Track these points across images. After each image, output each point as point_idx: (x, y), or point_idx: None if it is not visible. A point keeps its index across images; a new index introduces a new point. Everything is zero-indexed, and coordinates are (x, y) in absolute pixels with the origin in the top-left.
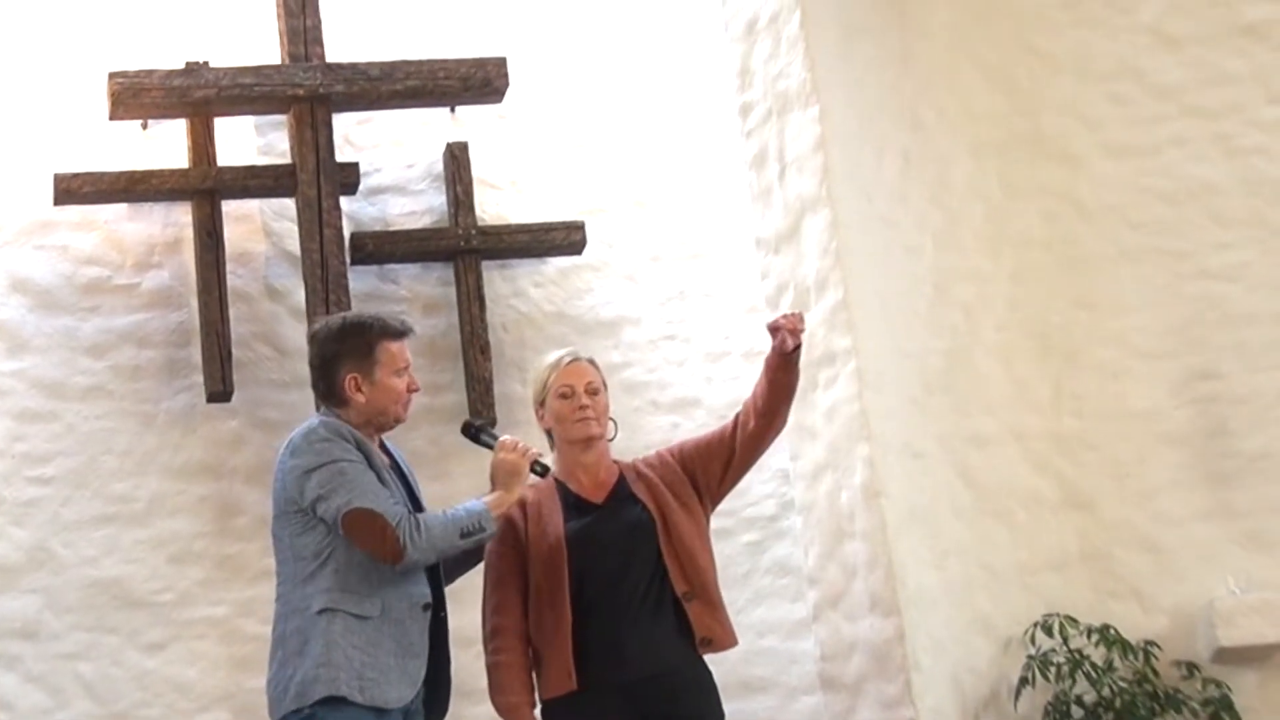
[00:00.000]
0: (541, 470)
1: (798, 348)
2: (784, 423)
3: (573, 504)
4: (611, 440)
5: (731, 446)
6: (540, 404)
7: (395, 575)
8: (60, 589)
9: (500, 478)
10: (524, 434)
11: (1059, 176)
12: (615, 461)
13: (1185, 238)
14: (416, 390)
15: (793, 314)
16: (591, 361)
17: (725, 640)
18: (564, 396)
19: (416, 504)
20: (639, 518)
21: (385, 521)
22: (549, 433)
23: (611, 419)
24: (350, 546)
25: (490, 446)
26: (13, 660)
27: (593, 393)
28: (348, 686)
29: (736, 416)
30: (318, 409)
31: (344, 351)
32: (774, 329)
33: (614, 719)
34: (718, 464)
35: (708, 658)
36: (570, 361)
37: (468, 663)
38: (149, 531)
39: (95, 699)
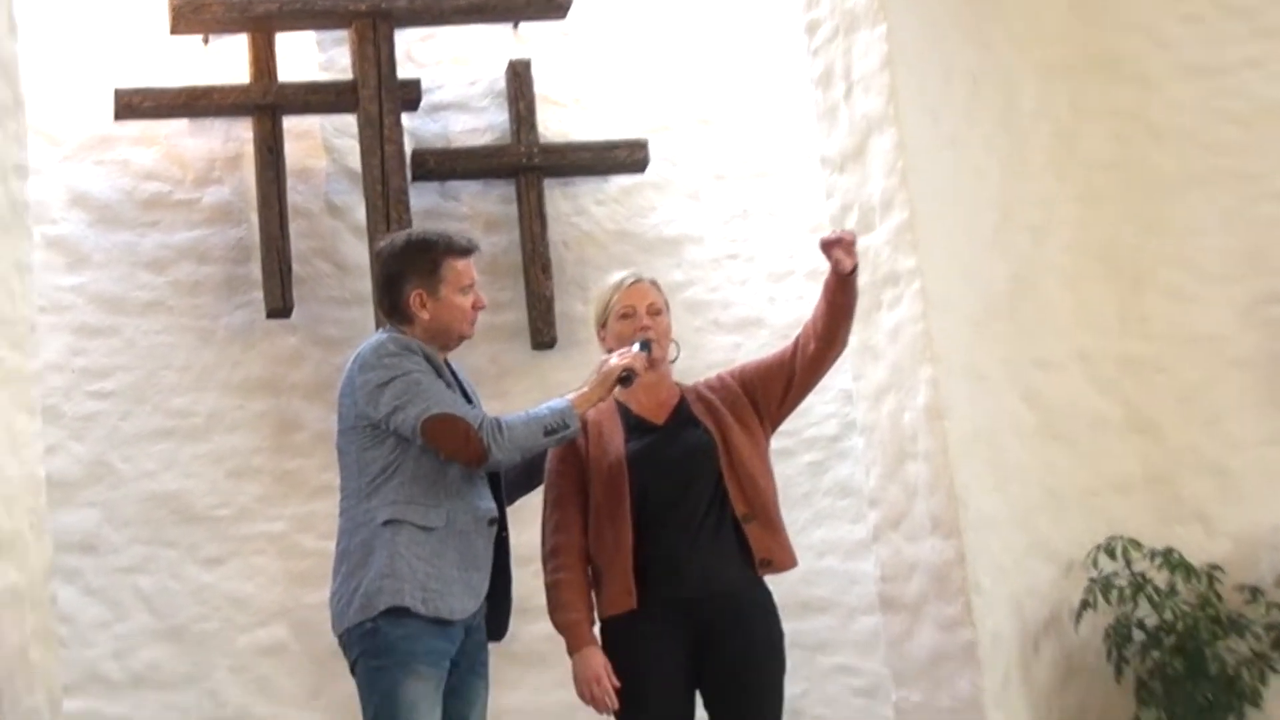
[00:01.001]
0: (626, 381)
1: (855, 268)
2: (844, 345)
3: (634, 425)
4: (673, 361)
5: (791, 368)
6: (602, 325)
7: (461, 488)
8: (119, 503)
9: (595, 376)
10: (583, 354)
11: (1129, 97)
12: (676, 384)
13: (1257, 160)
14: (482, 307)
15: (845, 231)
16: (654, 283)
17: (784, 561)
18: (625, 317)
19: None
20: (700, 439)
21: (467, 424)
22: (610, 352)
23: (673, 340)
24: (418, 459)
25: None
26: (72, 573)
27: (655, 313)
28: (411, 597)
29: (797, 338)
30: (378, 327)
31: (409, 268)
32: (826, 247)
33: (672, 638)
34: (778, 386)
35: (767, 578)
36: (633, 282)
37: (525, 580)
38: (208, 446)
39: (153, 612)
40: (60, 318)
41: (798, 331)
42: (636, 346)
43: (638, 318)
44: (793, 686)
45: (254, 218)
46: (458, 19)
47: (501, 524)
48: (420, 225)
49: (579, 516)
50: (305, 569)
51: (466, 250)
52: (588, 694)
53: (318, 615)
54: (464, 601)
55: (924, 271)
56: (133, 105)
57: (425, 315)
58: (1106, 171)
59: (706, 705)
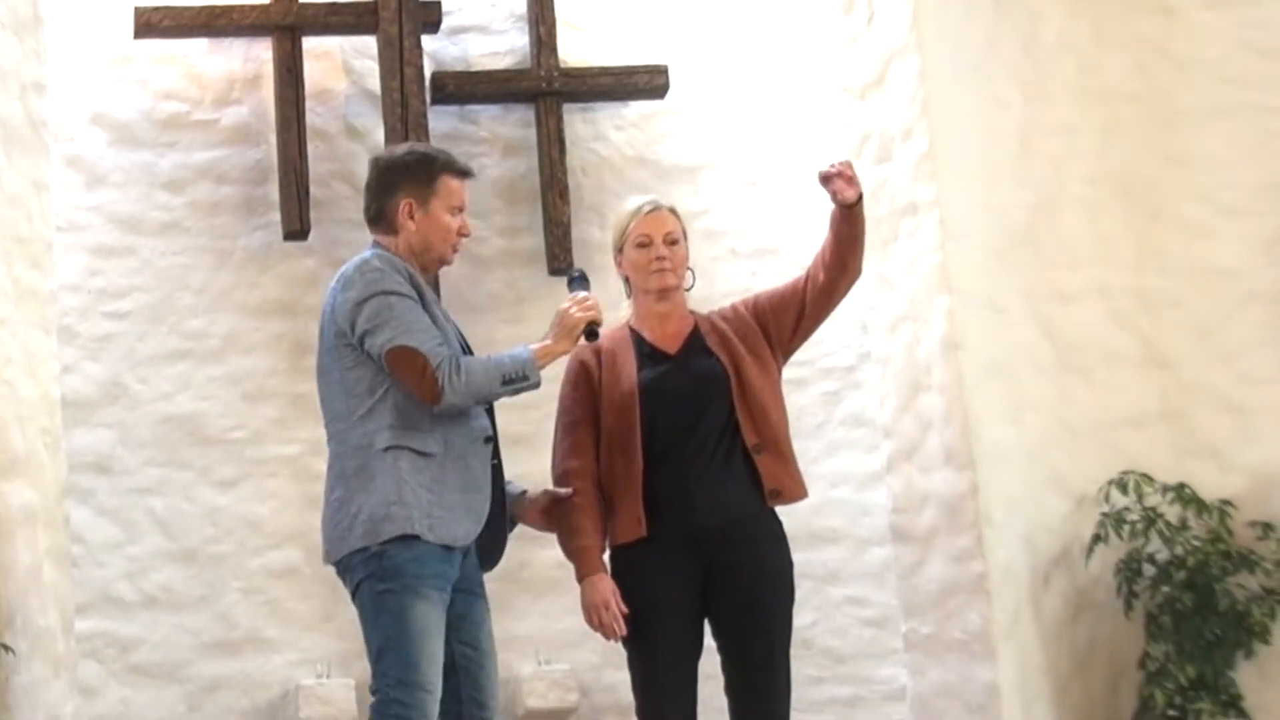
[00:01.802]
0: (591, 334)
1: (860, 198)
2: (855, 275)
3: (647, 353)
4: (689, 290)
5: (802, 299)
6: (619, 251)
7: (455, 414)
8: (134, 424)
9: (555, 328)
10: (600, 280)
11: (1153, 27)
12: (691, 312)
13: None
14: (467, 235)
15: (842, 162)
16: (672, 210)
17: (794, 492)
18: (642, 245)
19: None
20: (712, 369)
21: (426, 361)
22: (626, 280)
23: (690, 269)
24: None
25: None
26: (86, 494)
27: (671, 242)
28: (420, 524)
29: (809, 268)
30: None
31: (405, 178)
32: (825, 180)
33: (682, 566)
34: (790, 316)
35: (779, 508)
36: (650, 210)
37: None
38: (223, 368)
39: (167, 534)
40: (77, 237)
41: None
42: (583, 336)
43: (654, 247)
44: (803, 617)
45: (272, 139)
46: None
47: (495, 452)
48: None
49: (591, 442)
50: (318, 492)
51: (464, 172)
52: (595, 620)
53: None
54: (467, 526)
55: (942, 201)
56: (152, 24)
57: (412, 226)
58: (1129, 103)
59: (715, 635)
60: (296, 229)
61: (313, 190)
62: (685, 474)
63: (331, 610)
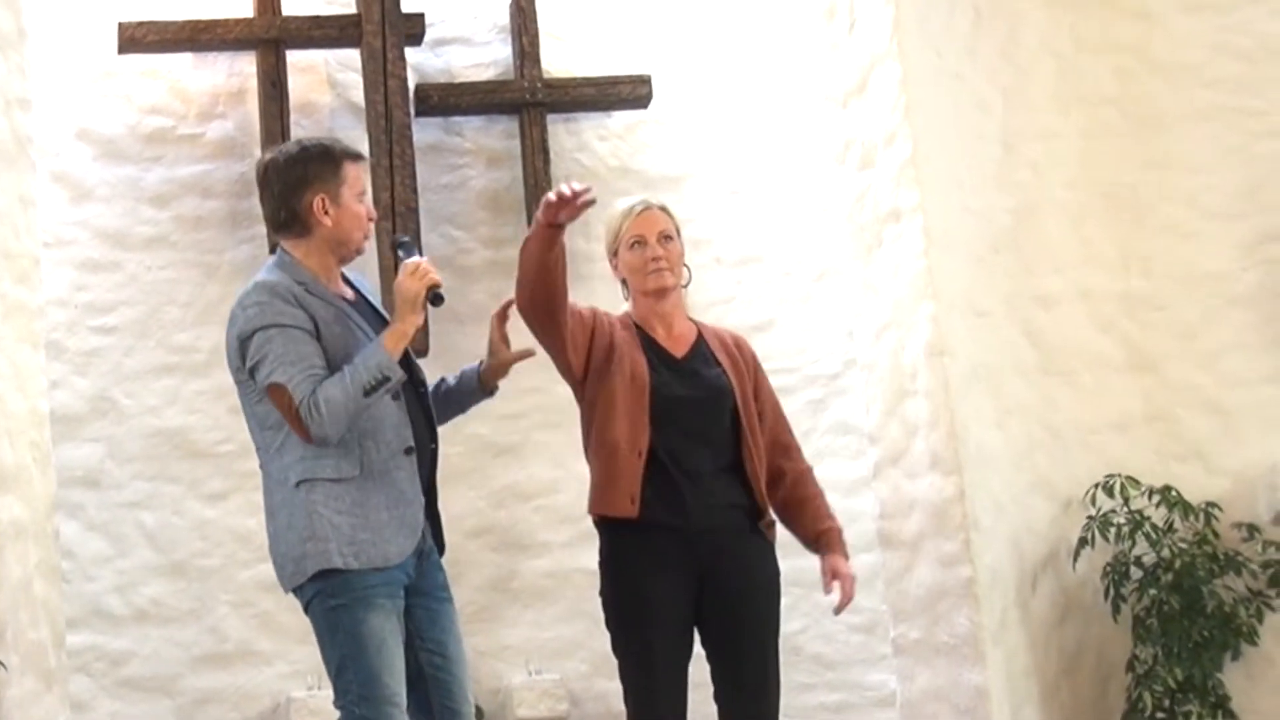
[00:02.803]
0: (435, 299)
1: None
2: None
3: (655, 351)
4: (685, 287)
5: (770, 442)
6: (613, 254)
7: (370, 425)
8: (122, 438)
9: (397, 305)
10: (587, 288)
11: (1133, 32)
12: (691, 320)
13: (1260, 96)
14: (374, 219)
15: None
16: (664, 208)
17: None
18: (636, 245)
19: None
20: (719, 380)
21: (292, 399)
22: (624, 282)
23: (685, 266)
24: None
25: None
26: (75, 508)
27: (665, 240)
28: (339, 556)
29: (793, 455)
30: (273, 250)
31: (310, 173)
32: (833, 577)
33: (674, 572)
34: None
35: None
36: (642, 210)
37: (526, 515)
38: (211, 382)
39: (156, 548)
40: (63, 252)
41: (800, 455)
42: (428, 303)
43: (649, 246)
44: (791, 623)
45: (258, 152)
46: None
47: (432, 437)
48: (421, 159)
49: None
50: None
51: (359, 156)
52: (554, 197)
53: None
54: (399, 543)
55: (926, 207)
56: (136, 39)
57: (328, 222)
58: (1109, 107)
59: (705, 642)
60: None
61: None
62: (682, 478)
63: None
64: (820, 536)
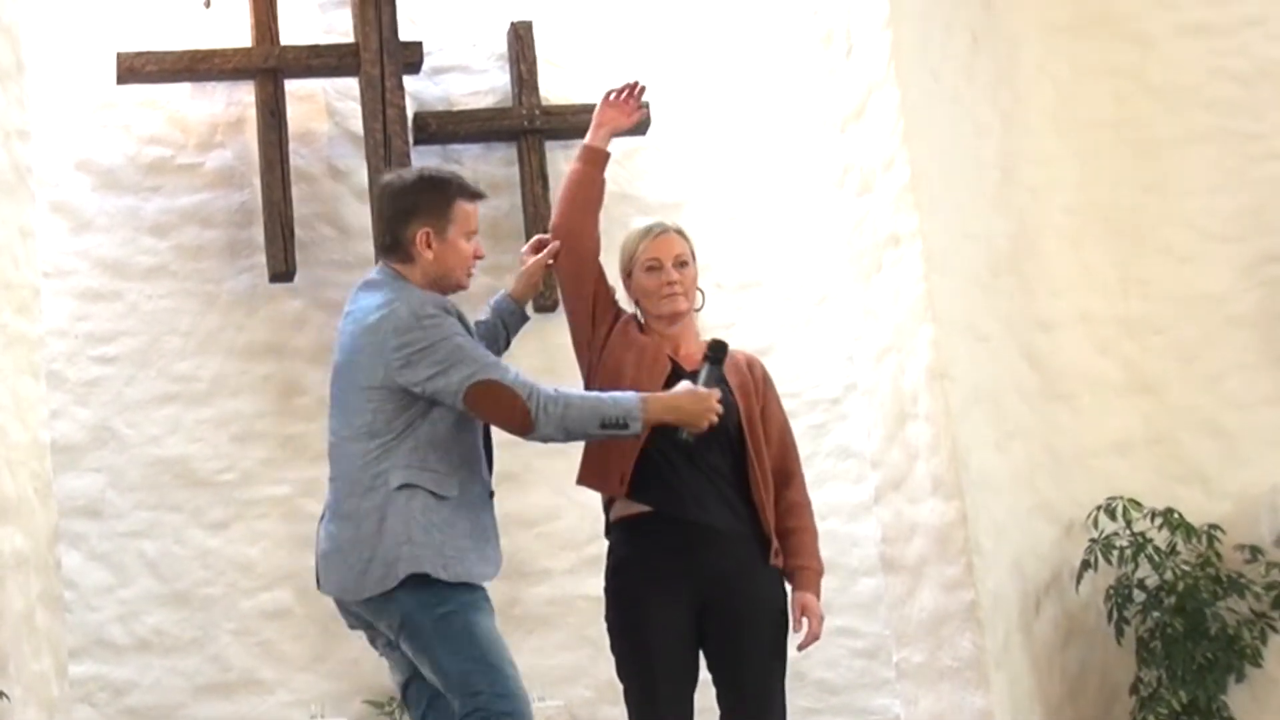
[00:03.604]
0: (686, 440)
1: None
2: None
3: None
4: (699, 311)
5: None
6: (627, 275)
7: (469, 458)
8: (123, 468)
9: (683, 404)
10: None
11: (1130, 56)
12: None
13: (1257, 119)
14: (481, 258)
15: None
16: (679, 231)
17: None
18: (651, 270)
19: None
20: (724, 398)
21: (513, 392)
22: (637, 303)
23: (699, 289)
24: (434, 424)
25: (707, 378)
26: (77, 538)
27: (681, 265)
28: (430, 563)
29: (792, 483)
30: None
31: (420, 205)
32: (801, 613)
33: (678, 599)
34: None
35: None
36: (659, 233)
37: (526, 543)
38: (212, 411)
39: (158, 577)
40: (64, 282)
41: (801, 485)
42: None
43: (664, 271)
44: (794, 648)
45: (256, 182)
46: None
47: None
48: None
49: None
50: (309, 533)
51: (477, 195)
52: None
53: None
54: (482, 567)
55: (925, 232)
56: (135, 69)
57: (429, 256)
58: (1107, 130)
59: (710, 668)
60: (282, 271)
61: (297, 232)
62: (676, 471)
63: (324, 650)
64: (795, 572)
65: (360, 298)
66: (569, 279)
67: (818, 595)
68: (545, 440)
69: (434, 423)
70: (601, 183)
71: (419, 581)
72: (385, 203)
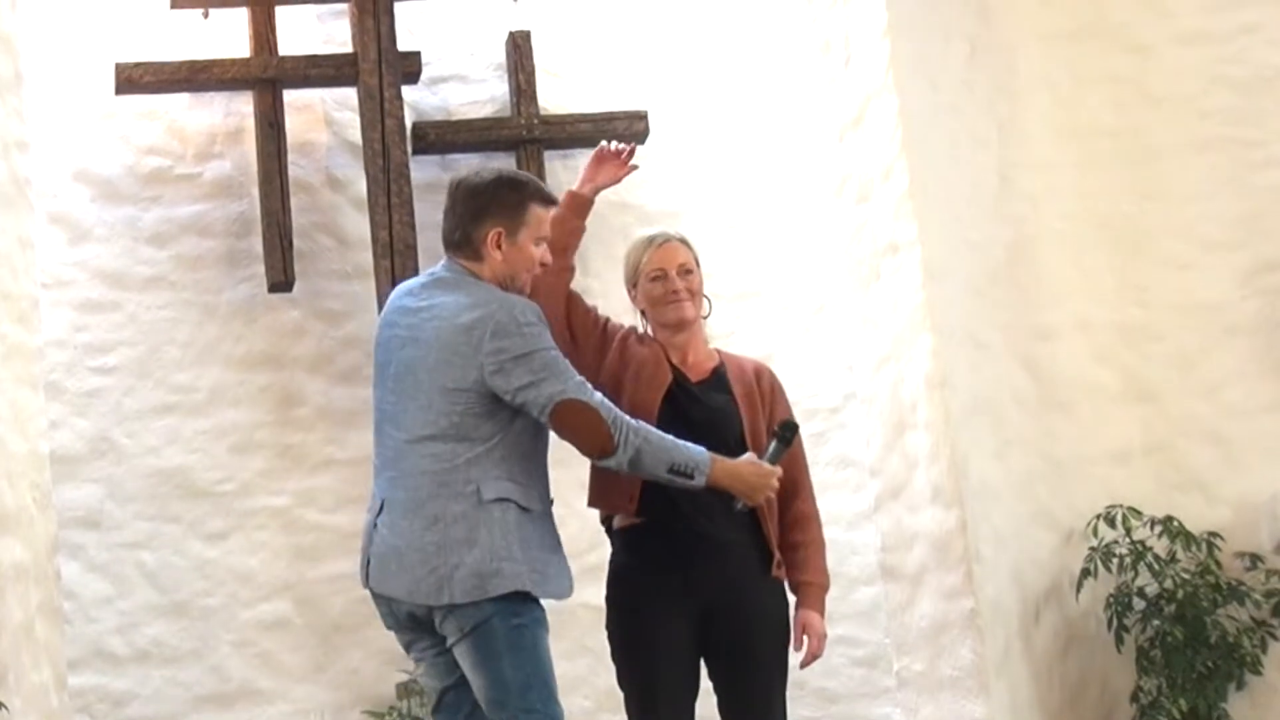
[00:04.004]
0: (740, 509)
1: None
2: None
3: (674, 372)
4: (706, 318)
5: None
6: (633, 285)
7: (543, 470)
8: (122, 478)
9: (744, 475)
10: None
11: (1128, 65)
12: (716, 350)
13: (1256, 126)
14: (548, 265)
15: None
16: (684, 240)
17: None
18: (657, 279)
19: None
20: (726, 406)
21: (600, 415)
22: (643, 313)
23: (706, 296)
24: (519, 434)
25: (773, 456)
26: (76, 549)
27: (685, 273)
28: (529, 580)
29: (800, 500)
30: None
31: (495, 205)
32: (802, 631)
33: (679, 609)
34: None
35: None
36: (663, 242)
37: None
38: (210, 421)
39: (157, 588)
40: (62, 293)
41: (809, 506)
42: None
43: (669, 280)
44: (793, 657)
45: (255, 192)
46: None
47: None
48: (420, 197)
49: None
50: (308, 543)
51: (551, 201)
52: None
53: (321, 590)
54: (562, 582)
55: (923, 240)
56: (133, 80)
57: (498, 256)
58: (1105, 139)
59: (712, 676)
60: (281, 281)
61: (296, 242)
62: (682, 490)
63: (323, 661)
64: (799, 588)
65: (434, 295)
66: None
67: (821, 612)
68: (617, 466)
69: (519, 433)
70: (579, 227)
71: (511, 600)
72: (460, 199)
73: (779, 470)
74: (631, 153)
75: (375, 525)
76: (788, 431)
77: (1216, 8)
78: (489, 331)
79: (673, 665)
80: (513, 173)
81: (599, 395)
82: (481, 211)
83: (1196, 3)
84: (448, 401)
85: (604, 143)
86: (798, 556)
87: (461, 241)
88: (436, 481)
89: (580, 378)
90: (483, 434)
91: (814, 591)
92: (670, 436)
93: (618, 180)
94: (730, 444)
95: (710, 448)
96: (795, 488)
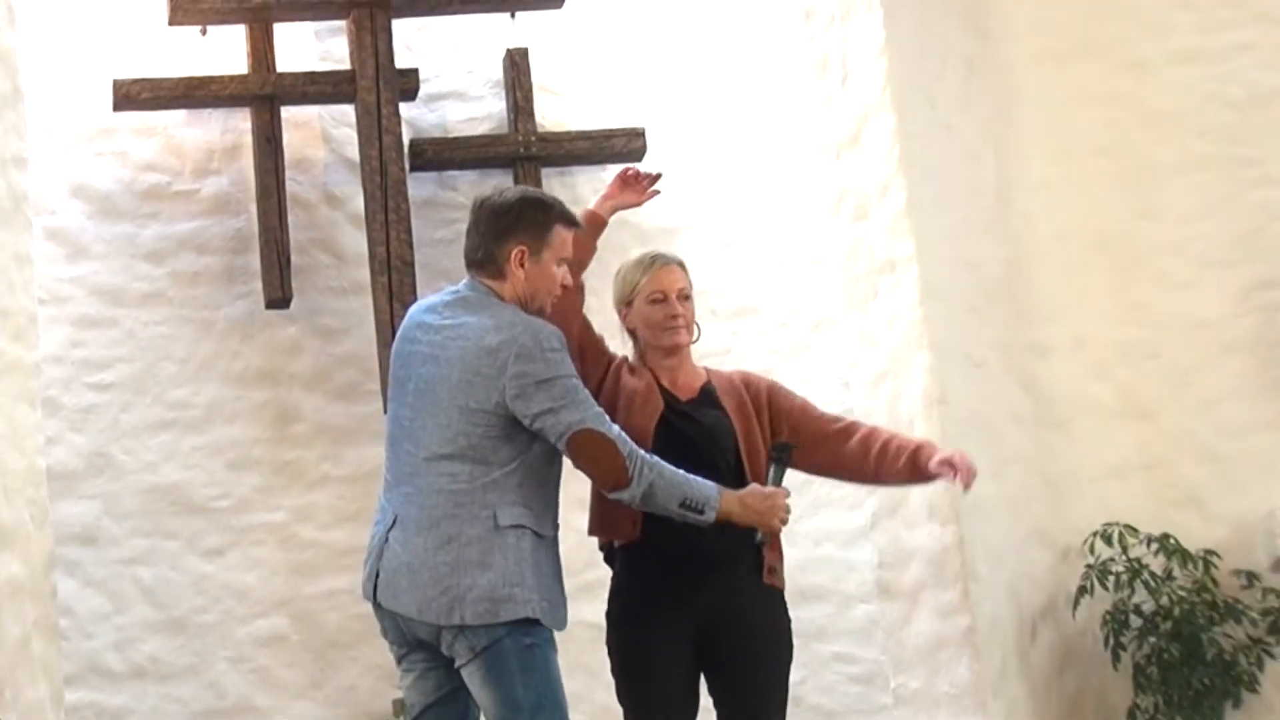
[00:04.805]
0: (761, 542)
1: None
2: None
3: (664, 394)
4: (695, 343)
5: (819, 436)
6: (626, 304)
7: (555, 496)
8: (119, 495)
9: (754, 505)
10: None
11: (1124, 83)
12: (703, 368)
13: (1252, 145)
14: (569, 286)
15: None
16: (681, 264)
17: (781, 579)
18: (656, 301)
19: None
20: (719, 422)
21: (616, 448)
22: (632, 333)
23: (696, 323)
24: (535, 459)
25: (774, 479)
26: (72, 565)
27: (684, 299)
28: (539, 608)
29: (851, 428)
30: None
31: (520, 224)
32: (948, 464)
33: (677, 627)
34: (805, 437)
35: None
36: (663, 265)
37: None
38: (207, 437)
39: (154, 604)
40: (60, 309)
41: (855, 422)
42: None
43: (670, 304)
44: (791, 674)
45: (253, 208)
46: (455, 8)
47: None
48: (417, 214)
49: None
50: (305, 560)
51: (575, 223)
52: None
53: (318, 606)
54: (564, 612)
55: (920, 258)
56: (131, 96)
57: (521, 274)
58: (1102, 157)
59: (711, 692)
60: (278, 297)
61: (294, 258)
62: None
63: (320, 677)
64: (915, 454)
65: (459, 314)
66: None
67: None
68: (630, 500)
69: (535, 458)
70: (593, 249)
71: (522, 626)
72: (484, 218)
73: (785, 490)
74: (656, 178)
75: (386, 539)
76: (782, 452)
77: (1212, 27)
78: (513, 355)
79: (671, 682)
80: (538, 193)
81: (617, 428)
82: (507, 230)
83: (1192, 22)
84: (467, 422)
85: (630, 166)
86: (891, 450)
87: (485, 260)
88: (453, 502)
89: (599, 409)
90: (501, 458)
91: (926, 446)
92: (681, 472)
93: (639, 204)
94: (728, 457)
95: (709, 462)
96: (837, 427)
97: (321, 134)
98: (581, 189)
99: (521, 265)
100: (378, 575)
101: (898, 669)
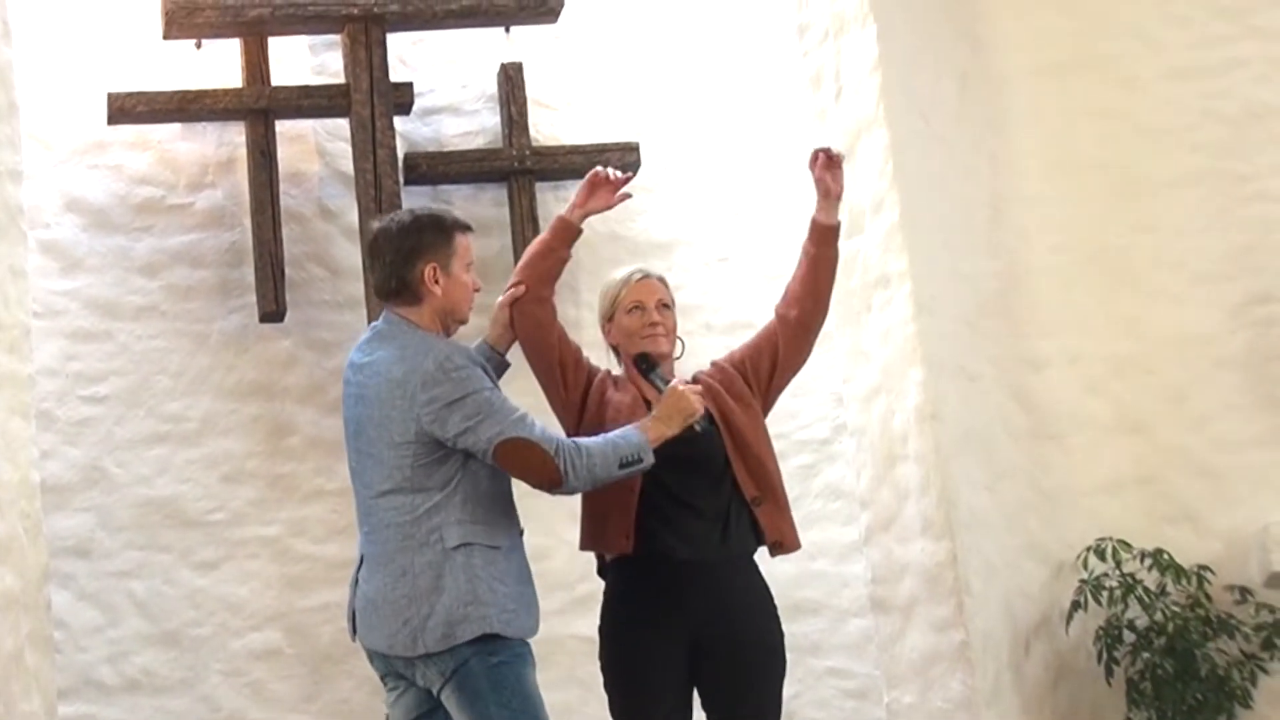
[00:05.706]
0: (699, 428)
1: (838, 225)
2: (826, 309)
3: (650, 409)
4: (678, 359)
5: (775, 340)
6: (608, 319)
7: (507, 503)
8: (113, 508)
9: (667, 413)
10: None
11: (1118, 98)
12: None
13: (1245, 160)
14: (479, 290)
15: (832, 149)
16: (662, 279)
17: (792, 542)
18: (634, 311)
19: None
20: (705, 430)
21: (542, 450)
22: (615, 349)
23: (679, 338)
24: (476, 475)
25: (656, 385)
26: (66, 578)
27: (663, 307)
28: (498, 621)
29: (777, 308)
30: (377, 314)
31: (424, 243)
32: (818, 167)
33: (671, 639)
34: (766, 360)
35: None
36: (641, 278)
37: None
38: (201, 451)
39: (147, 617)
40: (54, 322)
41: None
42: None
43: (647, 312)
44: (785, 689)
45: (247, 222)
46: (450, 22)
47: None
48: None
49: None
50: (299, 573)
51: (468, 227)
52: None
53: (312, 619)
54: (533, 618)
55: (914, 273)
56: (126, 109)
57: (438, 291)
58: (1095, 172)
59: (704, 705)
60: (272, 311)
61: (288, 272)
62: (674, 521)
63: (314, 691)
64: (810, 226)
65: (375, 349)
66: (527, 342)
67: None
68: (573, 493)
69: (474, 473)
70: (565, 257)
71: (482, 643)
72: (386, 246)
73: (677, 383)
74: (625, 180)
75: (356, 580)
76: (644, 362)
77: (1206, 43)
78: (419, 383)
79: (665, 696)
80: (429, 208)
81: (539, 426)
82: (412, 252)
83: (1186, 38)
84: (397, 455)
85: (599, 168)
86: (803, 256)
87: (399, 288)
88: (401, 534)
89: (520, 412)
90: (436, 482)
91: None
92: (604, 437)
93: (609, 207)
94: (718, 462)
95: (704, 461)
96: (778, 332)
97: (316, 148)
98: None
99: (436, 282)
100: (354, 615)
101: (891, 684)
